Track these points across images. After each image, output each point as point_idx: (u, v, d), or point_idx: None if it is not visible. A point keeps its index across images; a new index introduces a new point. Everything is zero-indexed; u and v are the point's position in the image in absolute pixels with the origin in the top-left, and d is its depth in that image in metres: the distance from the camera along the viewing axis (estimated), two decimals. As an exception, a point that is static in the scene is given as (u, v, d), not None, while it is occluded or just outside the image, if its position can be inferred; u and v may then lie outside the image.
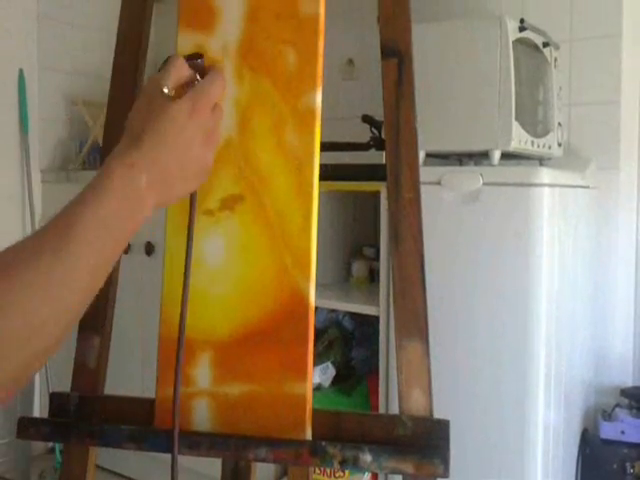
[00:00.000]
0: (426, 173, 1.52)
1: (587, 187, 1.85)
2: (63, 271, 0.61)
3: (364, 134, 2.12)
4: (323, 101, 0.83)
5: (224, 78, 0.78)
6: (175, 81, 0.73)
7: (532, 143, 1.65)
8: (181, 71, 0.75)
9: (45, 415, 0.92)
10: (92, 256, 0.64)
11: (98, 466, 2.28)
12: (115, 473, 2.44)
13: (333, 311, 2.08)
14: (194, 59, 0.77)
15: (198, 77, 0.76)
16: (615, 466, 1.73)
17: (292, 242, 0.82)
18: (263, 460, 0.80)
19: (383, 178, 0.89)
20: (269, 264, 0.83)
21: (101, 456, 1.02)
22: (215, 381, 0.83)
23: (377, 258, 1.94)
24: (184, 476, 2.03)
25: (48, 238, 0.62)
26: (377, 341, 1.73)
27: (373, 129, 2.09)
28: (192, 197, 0.81)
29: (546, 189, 1.49)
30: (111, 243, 0.66)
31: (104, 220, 0.65)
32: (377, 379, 1.74)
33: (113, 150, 0.70)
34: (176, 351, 0.82)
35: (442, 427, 0.81)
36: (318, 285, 0.82)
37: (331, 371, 2.00)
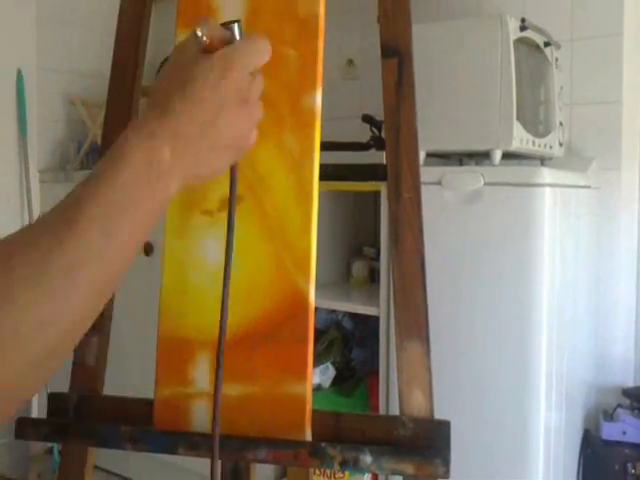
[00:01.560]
0: (427, 173, 1.51)
1: (588, 187, 1.84)
2: (66, 260, 0.51)
3: (364, 134, 2.12)
4: (323, 101, 0.83)
5: (269, 45, 0.65)
6: (210, 34, 0.61)
7: (533, 143, 1.65)
8: (217, 29, 0.63)
9: (43, 415, 0.91)
10: (102, 241, 0.53)
11: (96, 467, 2.28)
12: (114, 474, 2.44)
13: (333, 311, 2.08)
14: (232, 23, 0.65)
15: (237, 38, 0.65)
16: (617, 467, 1.72)
17: (292, 242, 0.82)
18: (263, 461, 0.80)
19: (383, 178, 0.89)
20: (269, 264, 0.82)
21: (99, 456, 1.02)
22: (215, 381, 0.83)
23: (377, 258, 1.94)
24: (184, 477, 2.02)
25: (51, 221, 0.54)
26: (377, 341, 1.72)
27: (373, 129, 2.09)
28: (232, 171, 0.71)
29: (547, 189, 1.49)
30: (126, 226, 0.55)
31: (117, 197, 0.54)
32: (377, 380, 1.74)
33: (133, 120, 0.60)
34: (216, 355, 0.80)
35: (443, 428, 0.81)
36: (318, 285, 0.82)
37: (331, 372, 1.99)
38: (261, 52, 0.64)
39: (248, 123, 0.64)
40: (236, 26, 0.65)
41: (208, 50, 0.61)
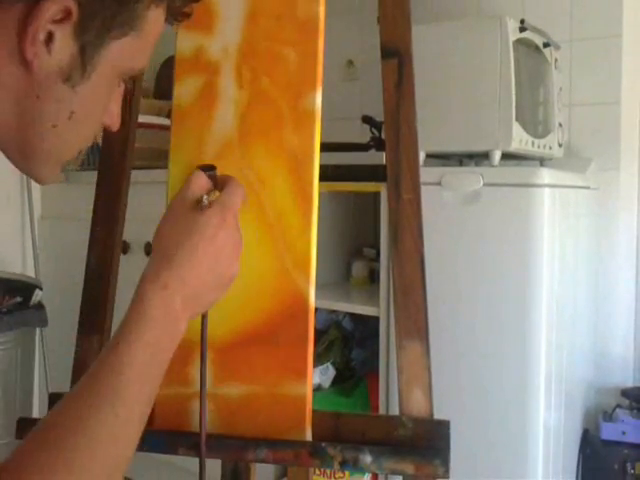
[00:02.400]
0: (426, 173, 1.51)
1: (588, 188, 1.85)
2: (118, 425, 0.61)
3: (364, 135, 2.12)
4: (323, 101, 0.83)
5: (244, 188, 0.76)
6: (202, 193, 0.73)
7: (532, 144, 1.65)
8: (203, 183, 0.74)
9: (44, 415, 0.92)
10: (141, 391, 0.64)
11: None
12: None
13: (333, 312, 2.08)
14: (207, 170, 0.76)
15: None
16: (616, 467, 1.72)
17: (292, 243, 0.82)
18: (263, 461, 0.80)
19: (383, 179, 0.89)
20: (269, 265, 0.82)
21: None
22: (215, 382, 0.83)
23: (377, 259, 1.94)
24: (183, 477, 2.02)
25: (99, 391, 0.62)
26: (377, 342, 1.72)
27: (373, 129, 2.09)
28: (203, 315, 0.79)
29: (546, 190, 1.49)
30: (158, 372, 0.67)
31: (151, 351, 0.65)
32: (377, 380, 1.74)
33: (145, 270, 0.69)
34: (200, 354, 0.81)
35: (442, 428, 0.81)
36: (318, 286, 0.82)
37: (331, 372, 1.99)
38: (241, 197, 0.75)
39: (238, 262, 0.74)
40: (214, 173, 0.76)
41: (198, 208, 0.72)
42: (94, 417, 0.60)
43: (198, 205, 0.72)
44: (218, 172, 0.77)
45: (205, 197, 0.72)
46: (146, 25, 0.63)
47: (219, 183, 0.76)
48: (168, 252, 0.69)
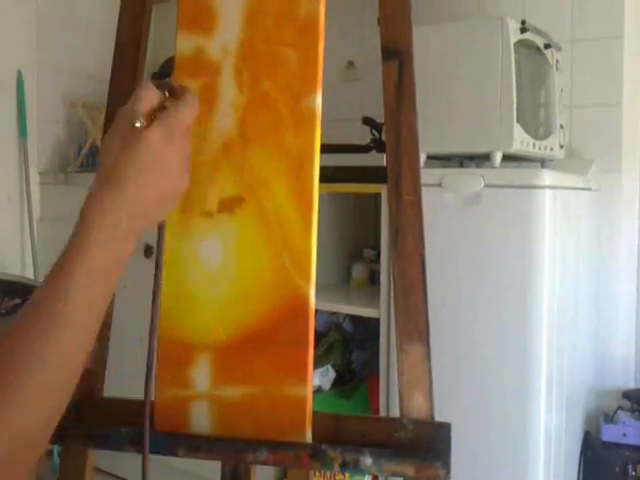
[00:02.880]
0: (427, 175, 1.51)
1: (589, 189, 1.84)
2: (64, 341, 0.64)
3: (365, 136, 2.12)
4: (323, 103, 0.83)
5: (197, 100, 0.74)
6: (147, 108, 0.71)
7: (534, 145, 1.65)
8: (151, 96, 0.72)
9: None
10: (87, 314, 0.66)
11: (96, 468, 2.28)
12: (114, 475, 2.44)
13: (333, 314, 2.08)
14: (163, 87, 0.74)
15: (167, 95, 0.74)
16: (617, 469, 1.72)
17: (292, 244, 0.82)
18: (263, 463, 0.80)
19: (384, 180, 0.89)
20: (269, 266, 0.82)
21: (99, 458, 1.02)
22: (215, 384, 0.83)
23: (378, 260, 1.94)
24: (183, 478, 2.02)
25: (41, 304, 0.64)
26: (377, 344, 1.72)
27: (374, 131, 2.09)
28: (160, 226, 0.80)
29: (548, 191, 1.48)
30: (103, 292, 0.68)
31: (94, 276, 0.66)
32: (377, 382, 1.73)
33: (90, 190, 0.68)
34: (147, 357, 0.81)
35: (443, 430, 0.81)
36: (318, 287, 0.82)
37: (331, 374, 1.99)
38: (194, 109, 0.73)
39: (188, 176, 0.74)
40: (168, 81, 0.74)
41: (148, 123, 0.69)
42: (40, 340, 0.62)
43: (134, 125, 0.69)
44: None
45: (138, 122, 0.68)
46: None
47: (173, 93, 0.74)
48: (113, 173, 0.68)
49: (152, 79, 0.75)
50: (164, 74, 2.54)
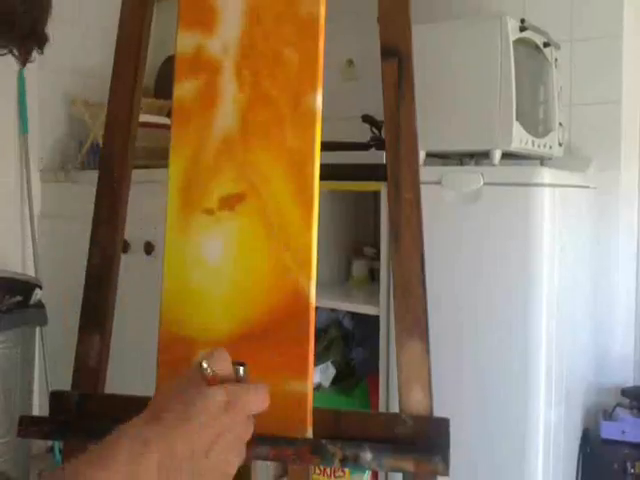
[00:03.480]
0: (426, 173, 1.52)
1: (588, 187, 1.85)
2: None
3: (364, 134, 2.12)
4: (323, 101, 0.83)
5: (268, 396, 0.68)
6: (216, 367, 0.66)
7: (533, 143, 1.65)
8: (225, 363, 0.67)
9: (43, 414, 0.92)
10: None
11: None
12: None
13: (333, 311, 2.08)
14: (239, 365, 0.70)
15: (241, 374, 0.69)
16: (616, 466, 1.73)
17: (293, 241, 0.82)
18: (264, 458, 0.80)
19: (383, 178, 0.89)
20: (269, 263, 0.83)
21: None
22: (215, 380, 0.83)
23: (377, 257, 1.94)
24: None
25: None
26: (377, 341, 1.73)
27: (373, 129, 2.09)
28: None
29: (547, 189, 1.49)
30: None
31: None
32: (377, 379, 1.74)
33: (125, 426, 0.62)
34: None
35: (442, 425, 0.82)
36: (318, 284, 0.82)
37: (331, 371, 2.00)
38: (262, 401, 0.68)
39: (236, 461, 0.66)
40: (241, 369, 0.69)
41: (211, 382, 0.65)
42: None
43: (201, 373, 0.65)
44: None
45: (205, 363, 0.65)
46: None
47: (246, 379, 0.69)
48: (163, 411, 0.63)
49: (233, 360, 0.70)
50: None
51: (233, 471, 0.65)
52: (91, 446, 0.61)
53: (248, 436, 0.68)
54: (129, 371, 2.05)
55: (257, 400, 0.67)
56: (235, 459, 0.66)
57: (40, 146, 2.70)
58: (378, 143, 2.05)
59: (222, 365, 0.67)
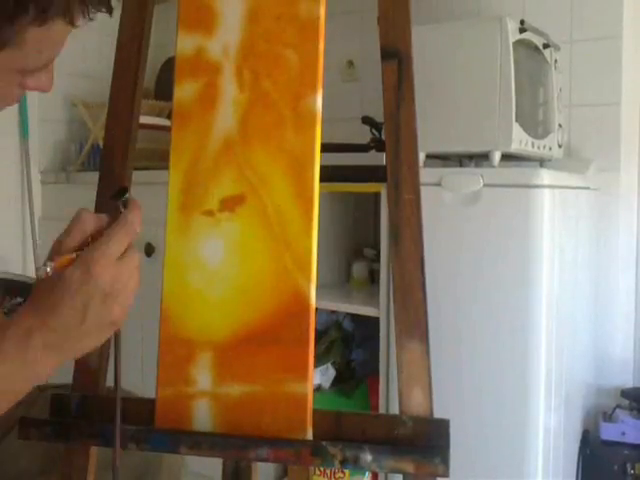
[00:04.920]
0: (426, 174, 1.52)
1: (587, 188, 1.85)
2: None
3: (364, 135, 2.12)
4: (323, 102, 0.83)
5: (129, 228, 0.74)
6: (76, 240, 0.74)
7: (532, 144, 1.65)
8: (84, 226, 0.75)
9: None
10: None
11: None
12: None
13: (333, 312, 2.08)
14: (120, 194, 0.77)
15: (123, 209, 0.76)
16: (616, 467, 1.73)
17: (293, 243, 0.82)
18: (264, 460, 0.81)
19: (383, 179, 0.89)
20: (270, 265, 0.83)
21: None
22: (216, 381, 0.83)
23: (377, 259, 1.94)
24: (185, 476, 2.02)
25: None
26: (377, 342, 1.73)
27: (373, 130, 2.10)
28: (117, 338, 0.81)
29: (546, 190, 1.49)
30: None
31: None
32: (377, 381, 1.74)
33: (19, 311, 0.72)
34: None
35: (442, 427, 0.82)
36: (318, 286, 0.82)
37: (331, 372, 2.00)
38: (127, 234, 0.74)
39: (118, 306, 0.73)
40: (120, 205, 0.76)
41: (61, 266, 0.72)
42: None
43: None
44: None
45: (48, 264, 0.72)
46: (28, 40, 0.70)
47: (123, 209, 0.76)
48: (39, 299, 0.72)
49: (111, 197, 0.77)
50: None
51: (119, 313, 0.73)
52: None
53: (127, 272, 0.73)
54: (130, 372, 2.05)
55: (120, 239, 0.73)
56: (116, 305, 0.73)
57: (40, 148, 2.70)
58: (378, 144, 2.05)
59: (69, 243, 0.74)
